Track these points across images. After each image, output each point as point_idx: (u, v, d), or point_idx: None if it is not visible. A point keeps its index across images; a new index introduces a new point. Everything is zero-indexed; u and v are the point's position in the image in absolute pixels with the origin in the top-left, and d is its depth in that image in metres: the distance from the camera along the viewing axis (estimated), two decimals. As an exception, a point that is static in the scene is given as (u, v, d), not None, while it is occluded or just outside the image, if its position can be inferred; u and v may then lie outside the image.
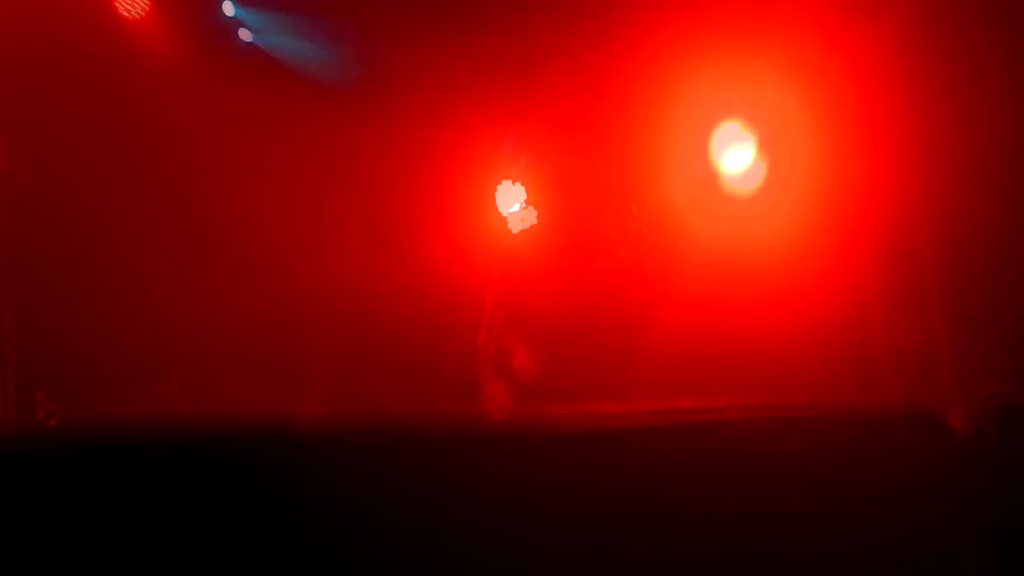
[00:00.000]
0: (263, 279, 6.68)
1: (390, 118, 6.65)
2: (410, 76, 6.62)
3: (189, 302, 6.58)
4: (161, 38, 6.25)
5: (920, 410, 2.59)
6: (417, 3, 6.31)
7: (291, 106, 6.61)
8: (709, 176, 6.34)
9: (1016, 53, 5.57)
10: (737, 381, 6.47)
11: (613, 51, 6.32)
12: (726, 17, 6.04)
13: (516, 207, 6.53)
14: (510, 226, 6.63)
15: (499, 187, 6.55)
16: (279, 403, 5.94)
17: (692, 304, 6.26)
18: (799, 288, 6.18)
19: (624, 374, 6.29)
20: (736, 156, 6.28)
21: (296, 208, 6.70)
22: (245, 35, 6.55)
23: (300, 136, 6.68)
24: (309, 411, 5.52)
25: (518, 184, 6.53)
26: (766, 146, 6.22)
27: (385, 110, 6.63)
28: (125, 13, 6.15)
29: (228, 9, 6.35)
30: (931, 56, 5.78)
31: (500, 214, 6.59)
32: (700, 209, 6.36)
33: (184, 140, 6.52)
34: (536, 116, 6.44)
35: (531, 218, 6.59)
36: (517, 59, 6.46)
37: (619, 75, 6.35)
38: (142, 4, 6.09)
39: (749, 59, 6.05)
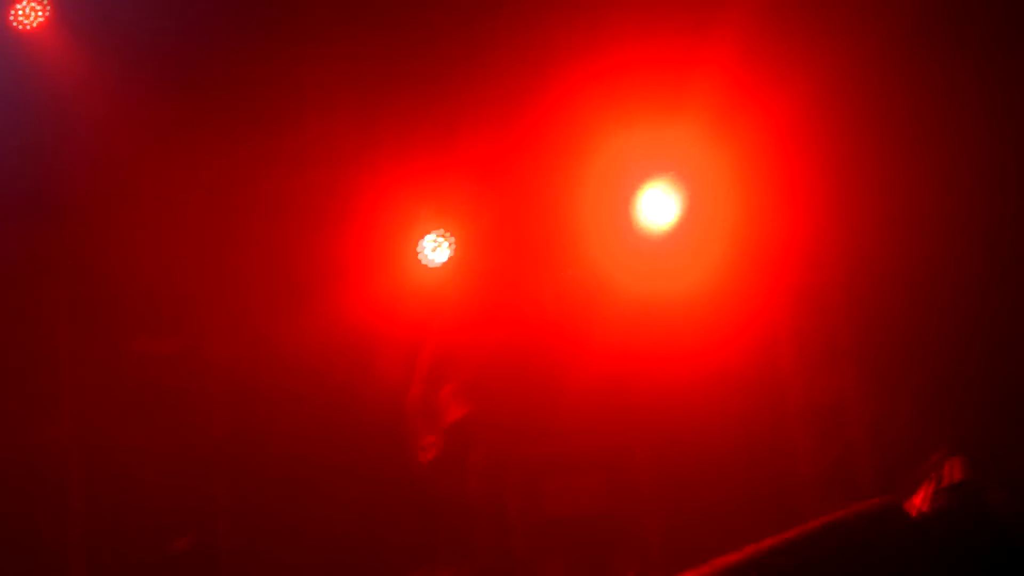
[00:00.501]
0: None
1: (308, 164, 6.62)
2: (329, 123, 6.61)
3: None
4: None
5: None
6: (342, 48, 6.31)
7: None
8: (632, 232, 6.44)
9: (932, 111, 5.80)
10: (654, 430, 6.54)
11: (538, 108, 6.42)
12: (648, 76, 6.19)
13: (442, 257, 6.52)
14: (433, 276, 6.61)
15: (424, 239, 6.54)
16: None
17: (613, 355, 6.32)
18: (716, 342, 6.29)
19: (549, 419, 6.32)
20: (658, 212, 6.39)
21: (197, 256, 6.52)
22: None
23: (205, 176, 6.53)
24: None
25: (444, 234, 6.54)
26: (688, 202, 6.34)
27: (303, 156, 6.59)
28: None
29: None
30: (849, 113, 5.99)
31: (424, 264, 6.58)
32: (622, 264, 6.44)
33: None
34: (462, 168, 6.48)
35: (455, 268, 6.59)
36: (442, 111, 6.52)
37: (543, 131, 6.44)
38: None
39: (670, 117, 6.20)
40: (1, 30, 5.89)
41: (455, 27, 6.23)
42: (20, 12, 5.86)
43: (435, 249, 6.54)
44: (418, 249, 6.54)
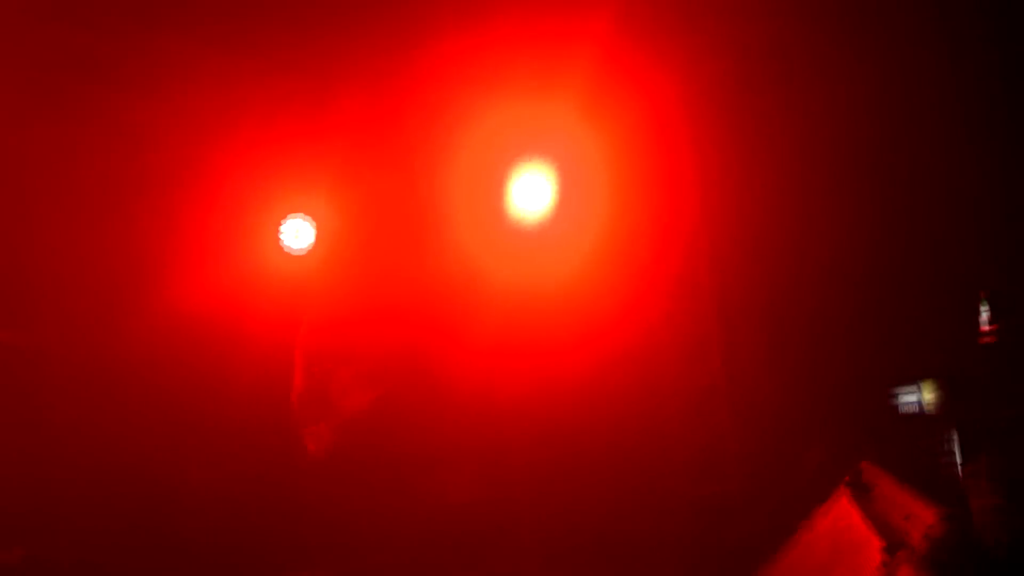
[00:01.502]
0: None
1: (163, 143, 6.09)
2: (185, 99, 6.10)
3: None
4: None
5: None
6: (204, 18, 5.80)
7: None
8: (504, 216, 6.28)
9: (808, 108, 5.90)
10: (529, 420, 6.48)
11: (409, 85, 6.13)
12: (523, 56, 6.02)
13: (305, 243, 6.16)
14: (295, 263, 6.25)
15: (286, 222, 6.15)
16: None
17: (489, 342, 6.19)
18: (592, 329, 6.25)
19: (425, 411, 6.15)
20: (531, 197, 6.26)
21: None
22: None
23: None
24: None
25: (307, 219, 6.17)
26: (562, 188, 6.24)
27: (158, 135, 6.05)
28: None
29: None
30: (725, 99, 6.03)
31: (286, 250, 6.20)
32: (495, 251, 6.29)
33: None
34: (327, 148, 6.12)
35: (319, 255, 6.25)
36: (307, 87, 6.12)
37: (414, 110, 6.17)
38: None
39: (544, 101, 6.05)
40: None
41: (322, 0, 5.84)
42: None
43: (297, 235, 6.17)
44: (280, 235, 6.16)
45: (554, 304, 6.22)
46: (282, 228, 6.17)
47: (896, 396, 5.78)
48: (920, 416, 5.62)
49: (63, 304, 6.04)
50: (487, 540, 6.30)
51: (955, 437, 4.97)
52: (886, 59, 5.82)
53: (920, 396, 5.71)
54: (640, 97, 6.07)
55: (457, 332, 6.20)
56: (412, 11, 5.94)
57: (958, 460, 4.79)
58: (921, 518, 3.24)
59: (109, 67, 5.93)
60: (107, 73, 5.87)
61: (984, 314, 4.97)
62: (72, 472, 5.98)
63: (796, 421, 5.91)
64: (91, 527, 5.96)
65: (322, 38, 5.97)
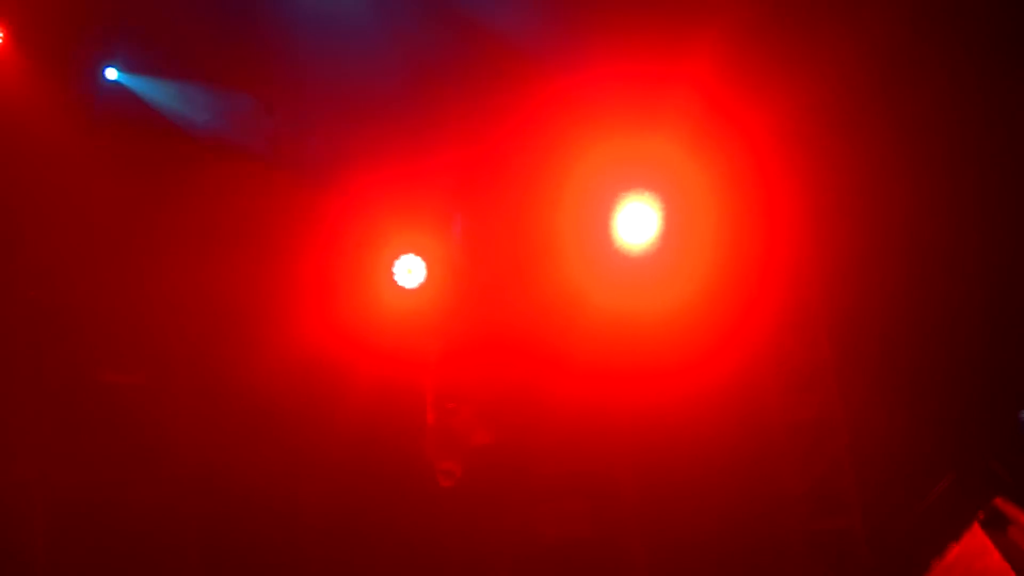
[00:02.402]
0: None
1: (278, 189, 6.33)
2: (299, 145, 6.33)
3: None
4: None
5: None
6: (312, 66, 6.03)
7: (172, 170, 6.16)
8: (611, 250, 6.31)
9: (913, 129, 5.81)
10: (636, 452, 6.46)
11: (514, 124, 6.24)
12: (627, 91, 6.07)
13: (417, 280, 6.30)
14: (408, 299, 6.38)
15: (398, 261, 6.30)
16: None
17: (593, 376, 6.21)
18: (697, 361, 6.22)
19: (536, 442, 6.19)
20: (638, 230, 6.27)
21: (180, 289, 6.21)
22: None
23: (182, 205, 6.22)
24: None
25: (418, 258, 6.31)
26: (667, 220, 6.24)
27: (274, 181, 6.29)
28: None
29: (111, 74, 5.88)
30: (830, 130, 5.97)
31: (399, 287, 6.34)
32: (601, 283, 6.31)
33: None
34: (436, 187, 6.26)
35: (430, 290, 6.37)
36: (415, 129, 6.28)
37: (522, 150, 6.27)
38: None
39: (650, 135, 6.08)
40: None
41: (429, 43, 6.00)
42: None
43: (409, 272, 6.30)
44: (392, 272, 6.30)
45: (663, 335, 6.21)
46: (395, 266, 6.31)
47: None
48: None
49: (186, 346, 6.29)
50: (598, 571, 6.30)
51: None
52: (989, 75, 5.68)
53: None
54: (744, 127, 6.05)
55: (565, 362, 6.24)
56: (520, 51, 6.06)
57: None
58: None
59: (224, 121, 6.20)
60: (222, 126, 6.15)
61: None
62: (195, 500, 6.21)
63: (920, 451, 5.75)
64: (217, 557, 6.17)
65: (431, 80, 6.13)
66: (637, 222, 6.29)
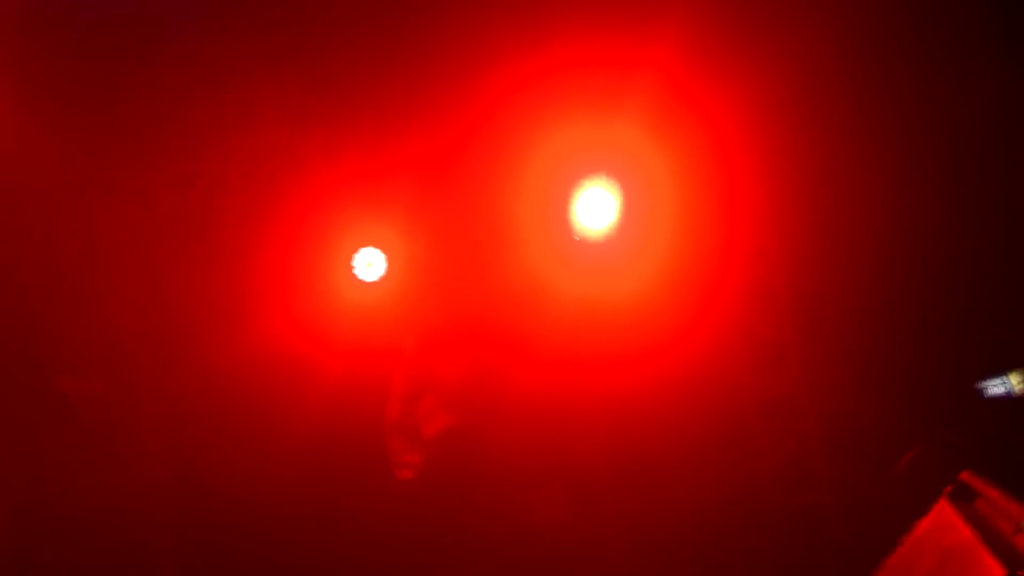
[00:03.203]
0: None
1: (232, 182, 6.21)
2: (253, 135, 6.21)
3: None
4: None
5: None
6: (265, 51, 5.90)
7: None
8: (573, 236, 6.27)
9: (873, 113, 5.82)
10: (608, 437, 6.45)
11: (471, 111, 6.16)
12: (584, 74, 6.01)
13: (377, 273, 6.22)
14: (368, 292, 6.31)
15: (358, 253, 6.22)
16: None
17: (563, 359, 6.18)
18: (664, 345, 6.21)
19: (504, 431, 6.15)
20: (598, 215, 6.24)
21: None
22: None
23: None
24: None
25: (377, 250, 6.23)
26: (628, 205, 6.21)
27: (227, 173, 6.17)
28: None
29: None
30: (791, 108, 5.96)
31: (359, 280, 6.26)
32: (565, 269, 6.27)
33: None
34: (393, 176, 6.17)
35: (391, 283, 6.30)
36: (371, 117, 6.19)
37: (477, 134, 6.19)
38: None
39: (610, 120, 6.04)
40: None
41: (385, 28, 5.90)
42: None
43: (369, 265, 6.22)
44: (352, 265, 6.22)
45: (629, 320, 6.19)
46: (355, 259, 6.23)
47: (988, 388, 5.65)
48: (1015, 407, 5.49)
49: (145, 349, 6.17)
50: (573, 559, 6.28)
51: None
52: (957, 58, 5.70)
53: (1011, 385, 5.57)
54: (705, 111, 6.02)
55: (530, 351, 6.20)
56: (474, 38, 5.98)
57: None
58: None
59: (176, 112, 6.06)
60: (175, 118, 6.00)
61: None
62: (164, 507, 6.12)
63: (887, 425, 5.79)
64: (189, 557, 6.09)
65: (386, 70, 6.04)
66: (598, 208, 6.25)
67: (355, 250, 6.25)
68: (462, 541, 6.16)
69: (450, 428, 5.77)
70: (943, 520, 3.67)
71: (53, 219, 5.86)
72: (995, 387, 5.95)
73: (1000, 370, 5.98)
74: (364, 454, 6.17)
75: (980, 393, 5.92)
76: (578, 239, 6.27)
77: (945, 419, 5.56)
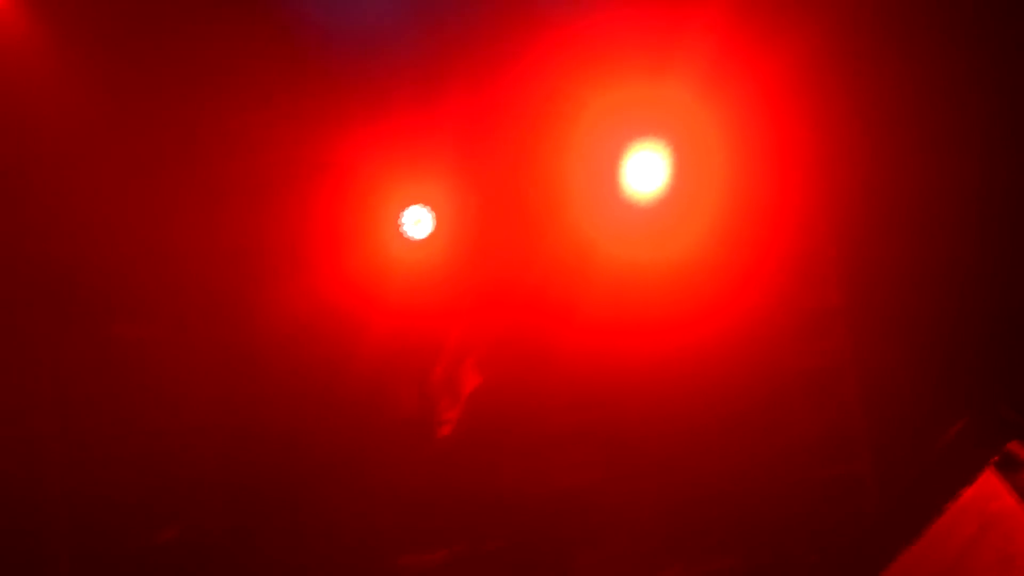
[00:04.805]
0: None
1: (281, 139, 6.26)
2: (300, 93, 6.25)
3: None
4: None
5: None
6: (310, 11, 5.93)
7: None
8: (620, 199, 6.26)
9: (930, 72, 5.72)
10: (647, 401, 6.47)
11: (519, 70, 6.15)
12: (634, 34, 5.97)
13: (425, 231, 6.26)
14: (416, 251, 6.35)
15: (406, 211, 6.26)
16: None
17: (602, 327, 6.20)
18: (707, 310, 6.20)
19: (543, 392, 6.20)
20: (647, 178, 6.22)
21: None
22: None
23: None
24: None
25: (426, 207, 6.27)
26: (676, 167, 6.18)
27: (276, 131, 6.23)
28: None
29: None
30: (842, 72, 5.88)
31: (407, 238, 6.31)
32: (609, 232, 6.27)
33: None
34: (440, 136, 6.19)
35: (438, 242, 6.34)
36: (418, 77, 6.20)
37: (524, 95, 6.18)
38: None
39: (659, 81, 6.00)
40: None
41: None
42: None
43: (417, 223, 6.26)
44: (400, 223, 6.26)
45: (673, 284, 6.18)
46: (402, 217, 6.27)
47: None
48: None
49: (197, 298, 6.28)
50: (606, 521, 6.34)
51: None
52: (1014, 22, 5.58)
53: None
54: (756, 72, 5.96)
55: (574, 313, 6.23)
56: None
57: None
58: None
59: (222, 68, 6.12)
60: (223, 78, 6.07)
61: None
62: (208, 453, 6.26)
63: (932, 397, 5.75)
64: (232, 502, 6.24)
65: (435, 26, 6.04)
66: (646, 170, 6.23)
67: (403, 208, 6.28)
68: (497, 499, 6.25)
69: (490, 387, 5.83)
70: (988, 489, 3.67)
71: (109, 171, 5.97)
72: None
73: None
74: (407, 411, 6.26)
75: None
76: (626, 202, 6.26)
77: (993, 391, 5.50)
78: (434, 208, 6.31)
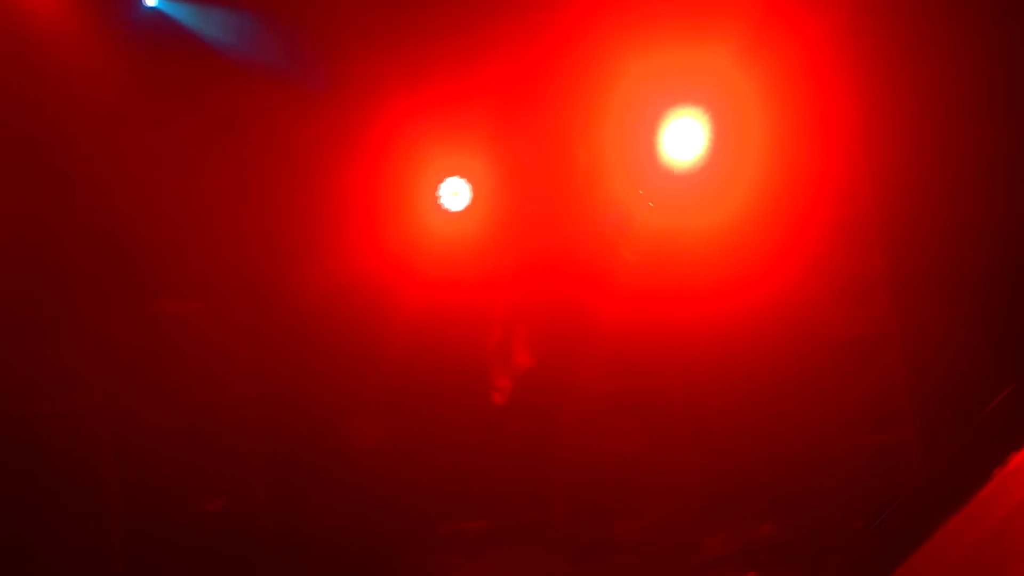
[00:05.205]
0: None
1: (320, 114, 6.28)
2: (339, 67, 6.26)
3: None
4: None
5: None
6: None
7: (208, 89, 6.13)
8: (658, 166, 6.20)
9: (971, 38, 5.59)
10: (688, 370, 6.43)
11: (557, 39, 6.10)
12: (675, 1, 5.90)
13: (463, 203, 6.26)
14: (453, 222, 6.36)
15: (443, 183, 6.26)
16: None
17: (645, 292, 6.16)
18: (748, 278, 6.14)
19: (590, 356, 6.20)
20: (685, 145, 6.15)
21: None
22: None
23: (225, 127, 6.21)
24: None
25: (463, 180, 6.26)
26: (716, 133, 6.11)
27: (315, 105, 6.24)
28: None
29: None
30: (883, 39, 5.76)
31: (444, 210, 6.32)
32: (649, 200, 6.22)
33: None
34: (481, 106, 6.17)
35: (475, 213, 6.34)
36: (455, 47, 6.17)
37: (565, 64, 6.13)
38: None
39: (698, 45, 5.91)
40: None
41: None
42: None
43: (455, 195, 6.27)
44: (437, 195, 6.27)
45: (713, 252, 6.13)
46: (440, 189, 6.28)
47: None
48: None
49: (238, 273, 6.35)
50: (647, 490, 6.34)
51: None
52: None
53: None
54: (798, 34, 5.85)
55: (614, 282, 6.20)
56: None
57: None
58: None
59: (264, 45, 6.14)
60: (262, 50, 6.09)
61: None
62: (256, 428, 6.35)
63: (978, 363, 5.65)
64: (277, 475, 6.34)
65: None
66: (685, 137, 6.16)
67: (440, 180, 6.29)
68: (537, 469, 6.27)
69: (536, 356, 5.84)
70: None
71: (150, 148, 6.04)
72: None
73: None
74: (446, 382, 6.29)
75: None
76: (664, 169, 6.20)
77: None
78: (471, 180, 6.30)
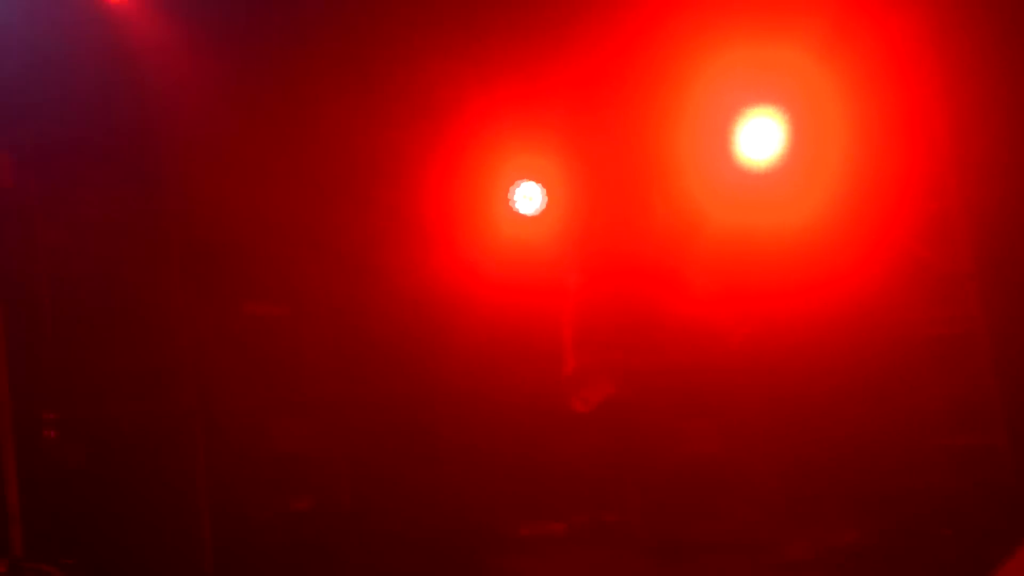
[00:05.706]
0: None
1: (398, 122, 6.31)
2: (416, 76, 6.27)
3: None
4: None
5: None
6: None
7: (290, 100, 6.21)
8: (735, 166, 6.09)
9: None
10: (770, 368, 6.35)
11: (630, 38, 6.00)
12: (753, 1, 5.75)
13: (536, 206, 6.25)
14: (526, 226, 6.35)
15: (515, 187, 6.25)
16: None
17: (725, 293, 6.09)
18: (831, 279, 6.01)
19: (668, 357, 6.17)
20: (762, 145, 6.02)
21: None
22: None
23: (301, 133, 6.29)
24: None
25: (536, 184, 6.24)
26: (795, 131, 5.97)
27: (394, 114, 6.28)
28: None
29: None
30: (968, 32, 5.55)
31: (518, 214, 6.31)
32: (725, 201, 6.12)
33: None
34: (554, 109, 6.12)
35: (549, 217, 6.32)
36: (533, 54, 6.13)
37: (638, 63, 6.04)
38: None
39: (776, 41, 5.77)
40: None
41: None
42: None
43: (528, 199, 6.25)
44: (511, 199, 6.26)
45: (793, 252, 6.02)
46: (513, 193, 6.27)
47: None
48: None
49: (319, 279, 6.46)
50: (728, 490, 6.30)
51: None
52: None
53: None
54: (877, 30, 5.67)
55: (691, 285, 6.13)
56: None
57: None
58: None
59: (341, 47, 6.17)
60: (340, 55, 6.13)
61: None
62: (344, 429, 6.49)
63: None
64: (363, 478, 6.48)
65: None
66: (761, 137, 6.03)
67: (514, 183, 6.28)
68: (615, 472, 6.27)
69: (616, 364, 5.84)
70: None
71: (239, 160, 6.17)
72: None
73: None
74: (523, 387, 6.32)
75: None
76: (740, 169, 6.09)
77: None
78: (545, 183, 6.28)
